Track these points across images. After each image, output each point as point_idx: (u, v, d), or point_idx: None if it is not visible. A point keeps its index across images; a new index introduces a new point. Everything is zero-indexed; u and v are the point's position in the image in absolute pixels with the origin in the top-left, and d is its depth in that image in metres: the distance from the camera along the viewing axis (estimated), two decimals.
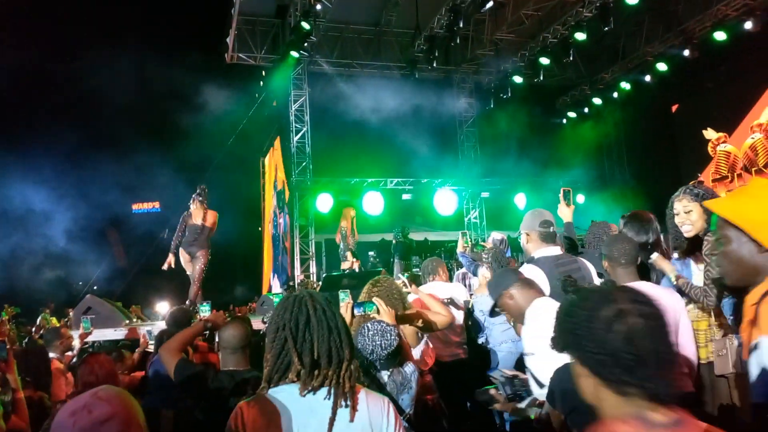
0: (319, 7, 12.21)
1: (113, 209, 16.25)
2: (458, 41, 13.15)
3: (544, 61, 13.93)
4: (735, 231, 1.53)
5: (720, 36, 12.33)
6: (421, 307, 3.56)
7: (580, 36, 12.66)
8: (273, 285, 15.08)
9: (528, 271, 3.23)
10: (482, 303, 4.54)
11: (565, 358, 1.40)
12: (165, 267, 8.05)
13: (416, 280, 5.44)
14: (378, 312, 2.93)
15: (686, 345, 2.90)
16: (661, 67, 13.92)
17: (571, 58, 13.43)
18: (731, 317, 2.99)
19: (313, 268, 14.59)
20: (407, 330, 3.26)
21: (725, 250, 1.55)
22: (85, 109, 16.49)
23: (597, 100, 16.21)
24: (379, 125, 13.73)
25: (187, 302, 7.83)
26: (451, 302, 4.61)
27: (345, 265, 11.70)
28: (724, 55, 12.65)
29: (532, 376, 2.72)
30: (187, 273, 8.12)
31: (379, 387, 2.55)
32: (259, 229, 15.51)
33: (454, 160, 16.33)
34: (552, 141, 16.35)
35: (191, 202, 8.10)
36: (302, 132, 14.73)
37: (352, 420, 1.72)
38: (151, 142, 15.94)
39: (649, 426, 1.20)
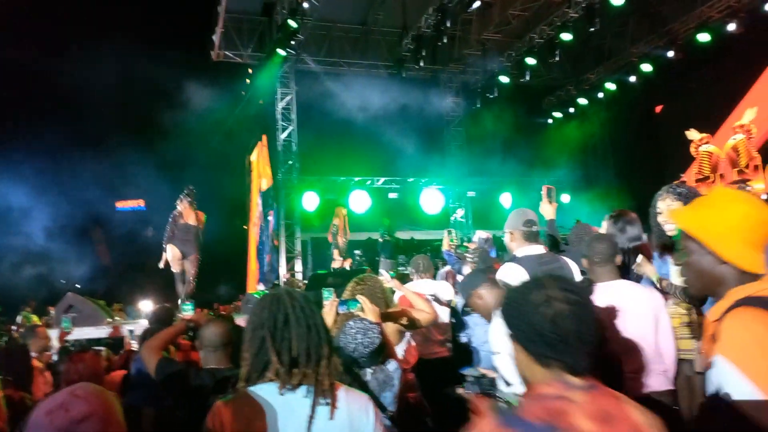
0: (306, 5, 12.16)
1: (97, 207, 16.08)
2: (445, 41, 13.18)
3: (531, 61, 13.99)
4: (695, 242, 1.52)
5: (703, 37, 12.44)
6: (406, 305, 3.57)
7: (566, 36, 12.74)
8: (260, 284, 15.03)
9: (511, 269, 3.25)
10: None
11: None
12: (161, 265, 8.14)
13: (403, 280, 5.46)
14: (362, 310, 2.94)
15: (665, 342, 2.93)
16: (646, 67, 14.03)
17: (557, 59, 13.49)
18: None
19: (299, 267, 14.55)
20: (390, 328, 3.26)
21: (688, 260, 1.55)
22: (69, 107, 16.29)
23: (582, 101, 16.30)
24: (366, 124, 13.73)
25: (180, 300, 7.94)
26: (435, 299, 4.62)
27: (335, 264, 11.70)
28: (707, 57, 12.78)
29: (499, 375, 2.73)
30: (174, 270, 8.15)
31: (362, 385, 2.55)
32: (244, 227, 15.39)
33: (440, 159, 16.36)
34: (538, 141, 16.43)
35: (179, 202, 8.13)
36: (289, 130, 14.69)
37: (331, 418, 1.72)
38: (137, 140, 15.78)
39: (569, 387, 1.41)
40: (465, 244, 7.08)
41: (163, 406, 3.57)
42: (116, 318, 7.82)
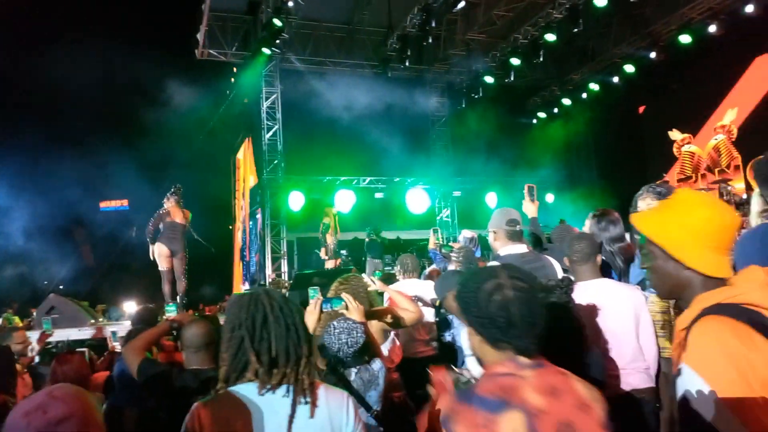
0: (291, 3, 12.13)
1: (79, 207, 15.90)
2: (430, 41, 13.20)
3: (515, 61, 14.07)
4: (658, 248, 1.50)
5: (685, 39, 12.59)
6: (394, 305, 3.57)
7: (551, 37, 12.82)
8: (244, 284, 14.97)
9: None
10: None
11: None
12: (152, 256, 8.21)
13: (390, 280, 5.45)
14: (346, 308, 2.93)
15: (647, 340, 2.96)
16: (629, 68, 14.18)
17: (541, 59, 13.57)
18: None
19: (285, 267, 14.50)
20: (374, 327, 3.26)
21: (652, 265, 1.53)
22: (51, 106, 16.08)
23: (566, 101, 16.43)
24: (352, 124, 13.71)
25: (177, 298, 8.08)
26: (419, 300, 4.62)
27: (329, 264, 11.68)
28: (689, 58, 12.93)
29: (472, 377, 2.75)
30: (161, 268, 8.17)
31: (347, 384, 2.55)
32: (230, 227, 15.34)
33: (426, 159, 16.39)
34: (522, 140, 16.54)
35: (166, 200, 8.17)
36: (274, 130, 14.62)
37: (312, 416, 1.72)
38: (120, 140, 15.65)
39: (519, 366, 1.56)
40: (450, 243, 7.09)
41: (145, 407, 3.55)
42: (100, 319, 7.75)
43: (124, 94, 16.01)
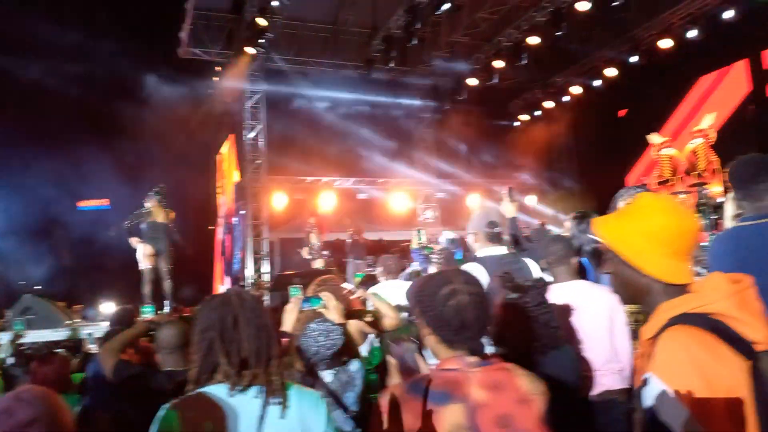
0: (275, 3, 12.06)
1: (56, 206, 15.65)
2: (415, 42, 13.22)
3: (498, 64, 14.14)
4: (616, 254, 1.48)
5: (665, 43, 12.76)
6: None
7: (534, 40, 12.91)
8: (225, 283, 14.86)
9: (471, 269, 3.27)
10: None
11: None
12: (134, 245, 8.15)
13: (372, 280, 5.44)
14: (325, 307, 2.92)
15: (621, 342, 2.99)
16: (611, 72, 14.32)
17: (524, 62, 13.66)
18: None
19: (266, 268, 14.43)
20: (352, 328, 3.26)
21: (613, 271, 1.51)
22: (27, 103, 15.83)
23: (548, 104, 16.55)
24: (335, 124, 13.69)
25: (167, 301, 8.16)
26: (398, 306, 4.62)
27: (316, 264, 11.62)
28: (669, 62, 13.10)
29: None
30: (142, 266, 8.12)
31: (324, 386, 2.54)
32: (210, 228, 15.22)
33: (409, 160, 16.43)
34: (504, 142, 16.65)
35: (147, 200, 8.14)
36: (257, 129, 14.54)
37: (282, 417, 1.71)
38: (99, 138, 15.43)
39: (468, 363, 1.68)
40: (430, 245, 7.11)
41: (119, 409, 3.50)
42: (76, 320, 7.65)
43: (105, 92, 15.79)
